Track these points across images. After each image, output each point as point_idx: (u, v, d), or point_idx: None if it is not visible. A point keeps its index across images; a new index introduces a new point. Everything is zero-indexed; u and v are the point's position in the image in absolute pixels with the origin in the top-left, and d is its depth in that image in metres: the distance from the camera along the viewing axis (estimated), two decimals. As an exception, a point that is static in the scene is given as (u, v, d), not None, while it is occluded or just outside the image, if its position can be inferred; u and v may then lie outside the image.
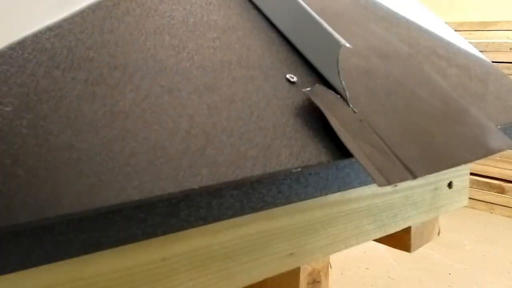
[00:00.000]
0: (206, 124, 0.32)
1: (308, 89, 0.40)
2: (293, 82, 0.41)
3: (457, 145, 0.41)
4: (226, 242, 0.36)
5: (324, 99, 0.39)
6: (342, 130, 0.37)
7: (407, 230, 0.60)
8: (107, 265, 0.30)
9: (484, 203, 2.49)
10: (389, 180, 0.35)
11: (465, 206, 0.65)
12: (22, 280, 0.26)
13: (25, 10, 0.35)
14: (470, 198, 2.19)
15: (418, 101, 0.46)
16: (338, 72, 0.41)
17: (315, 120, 0.38)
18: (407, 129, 0.41)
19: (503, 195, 2.43)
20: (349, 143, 0.36)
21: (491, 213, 2.47)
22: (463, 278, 1.77)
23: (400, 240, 0.61)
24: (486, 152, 0.43)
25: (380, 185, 0.34)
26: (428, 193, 0.56)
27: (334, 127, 0.37)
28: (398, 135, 0.40)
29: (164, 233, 0.28)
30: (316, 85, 0.41)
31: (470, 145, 0.42)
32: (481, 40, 2.44)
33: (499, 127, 0.50)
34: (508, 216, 2.41)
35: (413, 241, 0.61)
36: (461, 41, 0.71)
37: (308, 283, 0.49)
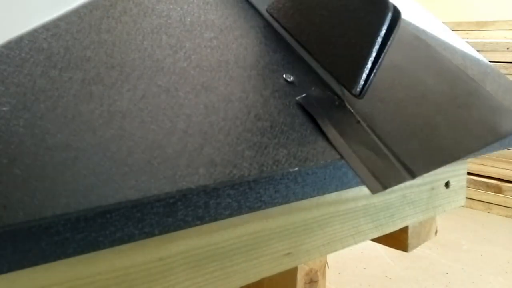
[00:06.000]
0: (203, 123, 0.32)
1: (303, 95, 0.40)
2: (290, 82, 0.41)
3: (463, 133, 0.40)
4: (223, 241, 0.36)
5: (319, 104, 0.39)
6: (337, 136, 0.37)
7: (404, 230, 0.60)
8: (104, 264, 0.30)
9: (482, 202, 2.50)
10: (384, 184, 0.34)
11: (463, 206, 0.65)
12: (19, 279, 0.26)
13: (20, 8, 0.35)
14: (467, 198, 2.19)
15: (422, 88, 0.45)
16: (335, 72, 0.41)
17: (312, 120, 0.38)
18: (408, 123, 0.41)
19: (501, 194, 2.44)
20: (343, 149, 0.36)
21: (488, 212, 2.47)
22: (460, 277, 1.78)
23: (397, 239, 0.61)
24: (495, 136, 0.40)
25: (373, 191, 0.34)
26: (425, 192, 0.56)
27: (327, 134, 0.37)
28: (399, 131, 0.40)
29: (161, 232, 0.28)
30: (312, 88, 0.41)
31: (477, 131, 0.40)
32: (479, 40, 2.44)
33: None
34: (506, 216, 2.41)
35: (410, 240, 0.61)
36: (458, 41, 0.71)
37: (305, 283, 0.49)
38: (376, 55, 0.38)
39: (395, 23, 0.38)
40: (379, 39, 0.38)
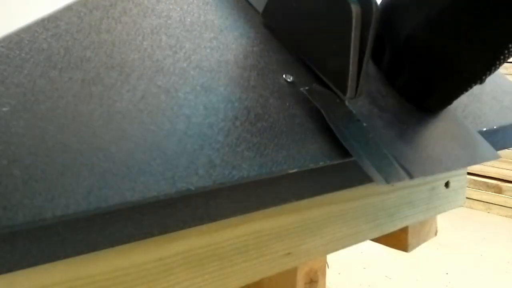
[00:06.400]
0: (203, 124, 0.32)
1: (307, 88, 0.40)
2: (290, 83, 0.41)
3: (447, 155, 0.43)
4: (222, 242, 0.36)
5: (321, 98, 0.39)
6: (340, 129, 0.37)
7: (404, 230, 0.60)
8: (104, 265, 0.30)
9: (482, 202, 2.50)
10: (387, 179, 0.35)
11: (463, 206, 0.65)
12: (19, 280, 0.26)
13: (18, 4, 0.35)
14: (467, 198, 2.19)
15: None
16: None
17: (312, 121, 0.38)
18: (402, 130, 0.42)
19: (501, 194, 2.44)
20: (347, 142, 0.36)
21: (488, 212, 2.48)
22: (460, 278, 1.78)
23: (397, 239, 0.62)
24: (473, 161, 0.45)
25: (379, 183, 0.34)
26: (425, 192, 0.56)
27: (332, 126, 0.37)
28: (394, 135, 0.40)
29: (161, 233, 0.28)
30: (314, 84, 0.41)
31: (460, 155, 0.44)
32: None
33: (495, 127, 0.51)
34: (506, 216, 2.42)
35: (410, 240, 0.61)
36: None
37: (305, 283, 0.49)
38: (359, 52, 0.38)
39: (369, 16, 0.37)
40: (355, 39, 0.38)
